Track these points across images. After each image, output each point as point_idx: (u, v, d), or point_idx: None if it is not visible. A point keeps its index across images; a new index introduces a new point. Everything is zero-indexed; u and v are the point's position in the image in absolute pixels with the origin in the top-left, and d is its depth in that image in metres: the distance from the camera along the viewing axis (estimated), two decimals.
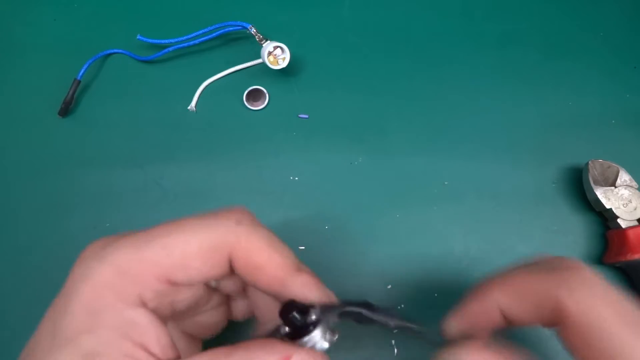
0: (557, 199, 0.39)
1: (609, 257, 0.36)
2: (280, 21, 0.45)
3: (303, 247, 0.36)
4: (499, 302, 0.21)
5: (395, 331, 0.22)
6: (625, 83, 0.43)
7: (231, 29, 0.42)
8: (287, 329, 0.21)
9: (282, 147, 0.40)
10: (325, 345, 0.21)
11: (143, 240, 0.20)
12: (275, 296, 0.22)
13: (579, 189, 0.39)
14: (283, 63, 0.40)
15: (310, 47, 0.44)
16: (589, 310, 0.19)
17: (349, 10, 0.47)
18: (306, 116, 0.41)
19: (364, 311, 0.22)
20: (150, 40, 0.42)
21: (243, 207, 0.22)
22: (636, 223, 0.35)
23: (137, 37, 0.43)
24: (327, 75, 0.43)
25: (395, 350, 0.33)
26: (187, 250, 0.20)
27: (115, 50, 0.43)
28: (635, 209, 0.36)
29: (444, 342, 0.23)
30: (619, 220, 0.36)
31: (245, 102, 0.41)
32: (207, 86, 0.42)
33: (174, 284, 0.20)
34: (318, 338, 0.20)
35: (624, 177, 0.37)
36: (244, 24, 0.42)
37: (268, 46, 0.40)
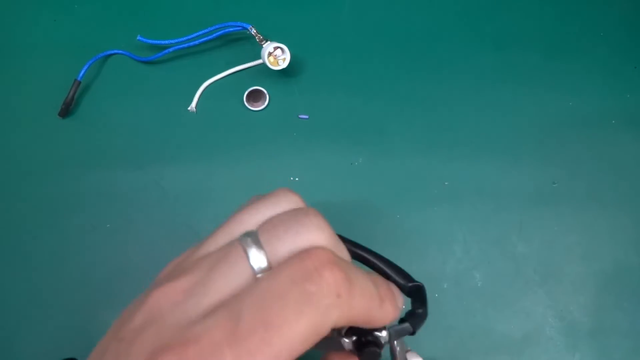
0: (557, 199, 0.39)
1: None
2: (280, 22, 0.45)
3: None
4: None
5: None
6: (625, 83, 0.43)
7: (231, 29, 0.42)
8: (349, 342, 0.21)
9: (282, 147, 0.40)
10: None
11: (240, 338, 0.16)
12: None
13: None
14: (283, 64, 0.40)
15: (310, 48, 0.44)
16: None
17: (349, 11, 0.47)
18: (306, 117, 0.41)
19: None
20: (150, 41, 0.43)
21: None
22: None
23: (138, 38, 0.43)
24: (328, 76, 0.43)
25: None
26: (293, 348, 0.17)
27: (116, 51, 0.43)
28: None
29: None
30: None
31: (246, 103, 0.41)
32: (207, 87, 0.42)
33: None
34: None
35: None
36: (244, 25, 0.42)
37: (268, 47, 0.40)
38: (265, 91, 0.41)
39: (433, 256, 0.37)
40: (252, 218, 0.20)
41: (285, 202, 0.21)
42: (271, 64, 0.40)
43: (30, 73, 0.43)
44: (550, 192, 0.39)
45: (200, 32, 0.42)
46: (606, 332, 0.35)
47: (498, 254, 0.37)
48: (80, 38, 0.44)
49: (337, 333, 0.21)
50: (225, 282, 0.18)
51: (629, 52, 0.45)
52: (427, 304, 0.23)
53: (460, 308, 0.36)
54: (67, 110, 0.41)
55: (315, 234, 0.19)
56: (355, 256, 0.23)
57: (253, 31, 0.41)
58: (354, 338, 0.21)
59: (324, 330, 0.18)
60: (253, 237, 0.19)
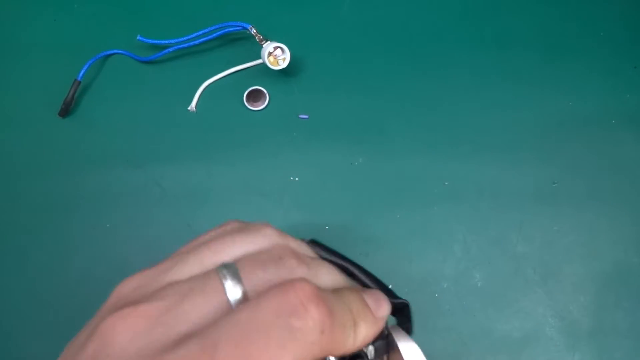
0: (557, 198, 0.39)
1: None
2: (280, 22, 0.45)
3: None
4: None
5: None
6: (625, 83, 0.43)
7: (231, 29, 0.42)
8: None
9: (282, 147, 0.40)
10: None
11: None
12: None
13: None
14: (283, 63, 0.40)
15: (310, 48, 0.44)
16: None
17: (349, 11, 0.47)
18: (306, 116, 0.41)
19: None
20: (150, 41, 0.43)
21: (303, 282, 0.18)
22: None
23: (137, 38, 0.43)
24: (327, 76, 0.43)
25: None
26: None
27: (116, 51, 0.43)
28: None
29: None
30: None
31: (246, 103, 0.41)
32: (207, 86, 0.42)
33: None
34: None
35: None
36: (244, 25, 0.42)
37: (268, 47, 0.40)
38: (265, 91, 0.41)
39: (433, 256, 0.37)
40: (229, 249, 0.19)
41: (263, 238, 0.20)
42: (271, 64, 0.40)
43: (30, 73, 0.43)
44: (551, 192, 0.39)
45: (200, 32, 0.42)
46: (606, 332, 0.35)
47: (498, 253, 0.37)
48: (80, 38, 0.44)
49: None
50: (199, 314, 0.17)
51: (629, 52, 0.45)
52: (412, 321, 0.22)
53: (460, 308, 0.36)
54: (67, 110, 0.41)
55: (297, 268, 0.19)
56: (342, 270, 0.22)
57: (253, 31, 0.41)
58: None
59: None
60: (232, 270, 0.18)
